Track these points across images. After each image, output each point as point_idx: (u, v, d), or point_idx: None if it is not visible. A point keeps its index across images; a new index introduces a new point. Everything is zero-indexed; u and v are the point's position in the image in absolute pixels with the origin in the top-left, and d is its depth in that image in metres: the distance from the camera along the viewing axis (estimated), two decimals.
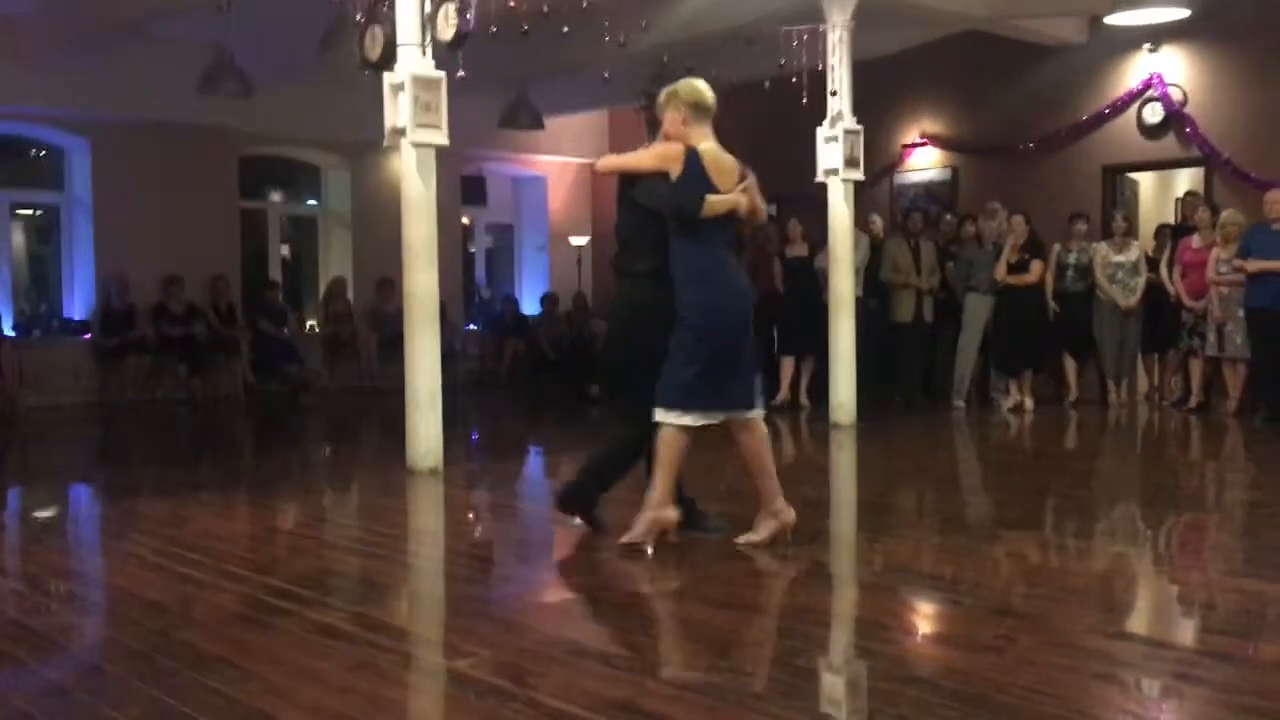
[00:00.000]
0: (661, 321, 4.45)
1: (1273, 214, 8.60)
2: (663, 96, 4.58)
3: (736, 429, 4.54)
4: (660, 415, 4.42)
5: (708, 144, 4.52)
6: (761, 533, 4.53)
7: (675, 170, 4.44)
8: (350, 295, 12.96)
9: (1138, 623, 3.72)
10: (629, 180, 4.62)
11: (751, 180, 4.60)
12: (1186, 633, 3.59)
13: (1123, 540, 5.03)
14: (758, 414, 4.57)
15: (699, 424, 4.44)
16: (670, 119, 4.54)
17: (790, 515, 4.55)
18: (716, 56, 8.46)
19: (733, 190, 4.51)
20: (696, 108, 4.52)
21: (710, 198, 4.42)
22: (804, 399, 10.24)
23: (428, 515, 5.88)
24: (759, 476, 4.55)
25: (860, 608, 3.90)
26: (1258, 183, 9.33)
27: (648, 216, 4.53)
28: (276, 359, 12.05)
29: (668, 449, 4.42)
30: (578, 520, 4.86)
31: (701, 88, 4.57)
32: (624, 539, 4.45)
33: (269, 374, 12.03)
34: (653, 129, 4.71)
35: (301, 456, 8.46)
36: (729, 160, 4.56)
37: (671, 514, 4.49)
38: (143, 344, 11.29)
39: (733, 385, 4.48)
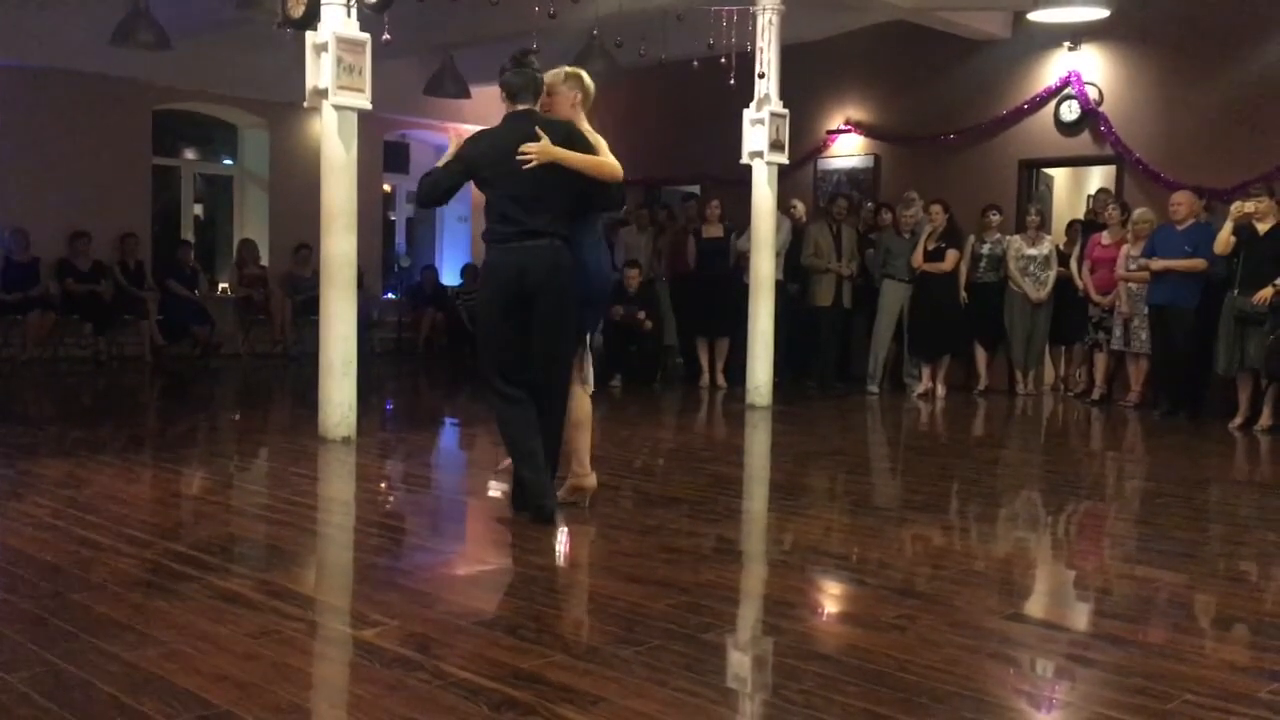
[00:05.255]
0: None
1: (1176, 215, 8.84)
2: (565, 75, 4.83)
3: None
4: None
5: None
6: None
7: None
8: (266, 259, 12.70)
9: (1035, 606, 3.82)
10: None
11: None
12: (1081, 616, 3.70)
13: (1024, 526, 5.16)
14: None
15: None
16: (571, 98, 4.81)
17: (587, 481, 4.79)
18: (645, 33, 8.43)
19: None
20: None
21: None
22: (720, 379, 10.32)
23: (339, 484, 5.80)
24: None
25: (768, 585, 3.95)
26: (1167, 183, 9.59)
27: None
28: (186, 320, 11.80)
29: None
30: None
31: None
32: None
33: (178, 336, 11.78)
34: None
35: (209, 421, 8.28)
36: None
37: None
38: (45, 300, 10.96)
39: None
